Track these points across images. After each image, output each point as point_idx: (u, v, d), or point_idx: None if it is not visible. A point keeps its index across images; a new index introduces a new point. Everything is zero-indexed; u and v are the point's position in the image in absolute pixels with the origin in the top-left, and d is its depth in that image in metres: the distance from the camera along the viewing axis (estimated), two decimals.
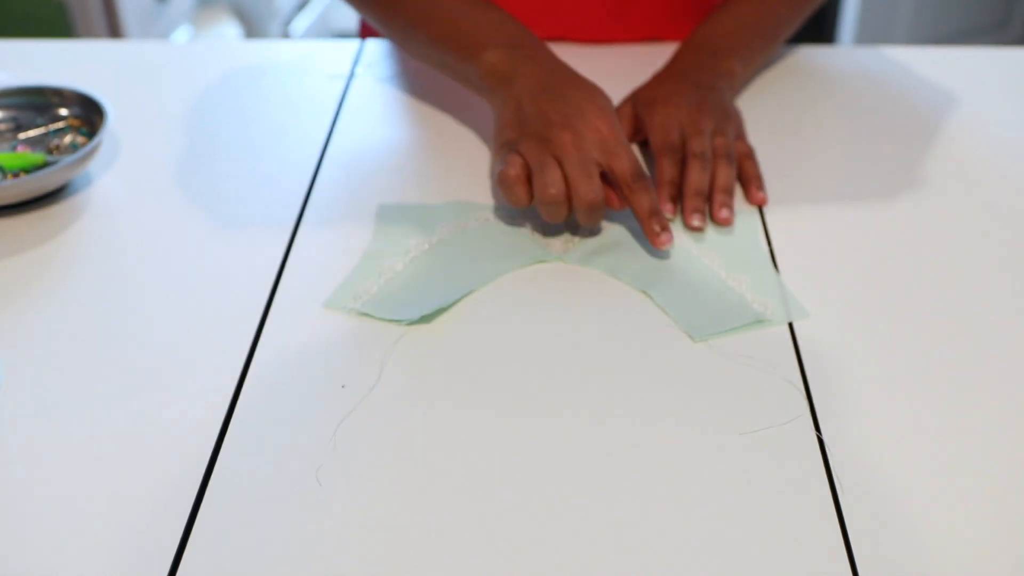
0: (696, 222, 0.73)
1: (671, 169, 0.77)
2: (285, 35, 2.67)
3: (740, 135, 0.82)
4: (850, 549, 0.51)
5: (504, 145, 0.72)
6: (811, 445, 0.57)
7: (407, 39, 0.83)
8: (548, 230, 0.74)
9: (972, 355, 0.64)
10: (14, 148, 0.83)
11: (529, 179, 0.70)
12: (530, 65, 0.75)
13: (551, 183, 0.68)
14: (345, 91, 0.94)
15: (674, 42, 1.00)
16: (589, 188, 0.68)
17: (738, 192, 0.79)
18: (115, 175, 0.82)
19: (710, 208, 0.75)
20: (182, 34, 2.33)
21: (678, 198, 0.76)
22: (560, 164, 0.69)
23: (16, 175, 0.78)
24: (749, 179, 0.78)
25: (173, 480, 0.55)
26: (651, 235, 0.69)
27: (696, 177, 0.75)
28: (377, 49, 1.01)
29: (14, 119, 0.85)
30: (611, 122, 0.71)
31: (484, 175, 0.81)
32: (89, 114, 0.83)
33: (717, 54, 0.86)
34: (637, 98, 0.84)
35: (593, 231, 0.74)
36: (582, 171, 0.69)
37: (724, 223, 0.74)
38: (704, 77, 0.84)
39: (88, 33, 2.04)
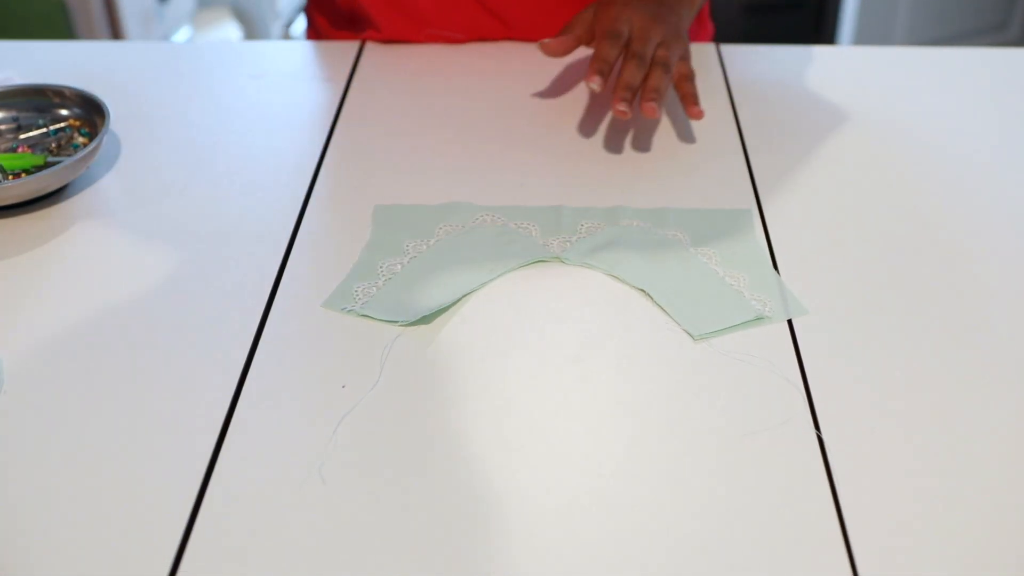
0: (621, 107, 0.78)
1: (609, 51, 0.80)
2: (286, 36, 2.67)
3: (685, 57, 0.84)
4: (849, 547, 0.52)
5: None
6: (810, 443, 0.57)
7: None
8: (546, 230, 0.74)
9: (971, 353, 0.64)
10: (15, 148, 0.83)
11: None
12: None
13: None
14: (345, 92, 0.94)
15: None
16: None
17: (732, 191, 0.79)
18: (116, 175, 0.82)
19: (639, 100, 0.78)
20: (183, 35, 2.33)
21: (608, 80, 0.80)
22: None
23: (17, 175, 0.78)
24: (686, 96, 0.82)
25: (174, 479, 0.55)
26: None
27: (629, 73, 0.79)
28: (377, 51, 1.01)
29: (15, 119, 0.85)
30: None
31: (483, 176, 0.81)
32: (90, 114, 0.84)
33: None
34: (597, 2, 0.87)
35: (591, 228, 0.74)
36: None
37: (649, 114, 0.78)
38: None
39: (89, 34, 2.04)
